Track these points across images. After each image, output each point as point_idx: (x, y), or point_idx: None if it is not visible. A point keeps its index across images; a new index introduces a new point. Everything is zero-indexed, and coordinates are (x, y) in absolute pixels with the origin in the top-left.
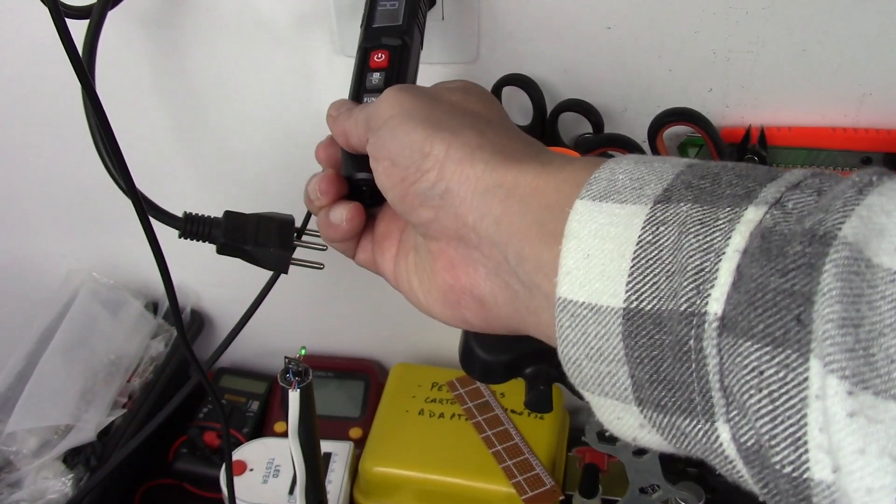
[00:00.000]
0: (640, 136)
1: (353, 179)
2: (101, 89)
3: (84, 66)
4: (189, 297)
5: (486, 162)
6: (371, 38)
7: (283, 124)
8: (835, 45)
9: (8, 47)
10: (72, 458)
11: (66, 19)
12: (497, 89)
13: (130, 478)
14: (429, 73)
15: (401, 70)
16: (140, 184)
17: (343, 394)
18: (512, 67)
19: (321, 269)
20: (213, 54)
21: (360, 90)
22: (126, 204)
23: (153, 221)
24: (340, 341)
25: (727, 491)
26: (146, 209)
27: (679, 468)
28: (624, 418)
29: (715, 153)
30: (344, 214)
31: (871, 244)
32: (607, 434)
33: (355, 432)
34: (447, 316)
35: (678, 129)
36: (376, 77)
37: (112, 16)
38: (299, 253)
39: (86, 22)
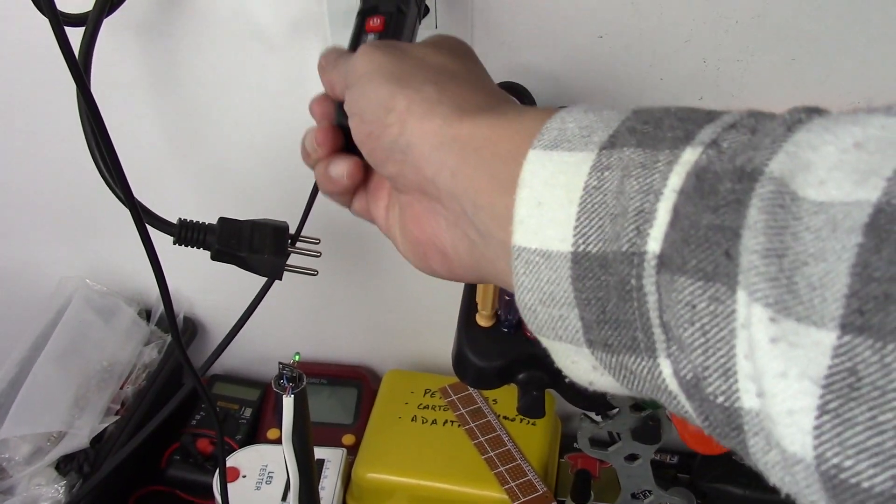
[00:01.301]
0: None
1: (345, 126)
2: (95, 96)
3: (81, 73)
4: (182, 304)
5: (444, 117)
6: (367, 4)
7: (277, 131)
8: (824, 55)
9: (1, 54)
10: (65, 465)
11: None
12: None
13: (123, 485)
14: None
15: (395, 34)
16: (134, 190)
17: (336, 401)
18: (504, 76)
19: (315, 275)
20: (207, 62)
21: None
22: (119, 210)
23: (148, 228)
24: (333, 348)
25: (718, 496)
26: (142, 216)
27: (671, 474)
28: (578, 361)
29: None
30: (345, 170)
31: (796, 178)
32: (601, 422)
33: (348, 439)
34: (419, 265)
35: None
36: (370, 38)
37: (107, 23)
38: (293, 259)
39: (81, 29)
